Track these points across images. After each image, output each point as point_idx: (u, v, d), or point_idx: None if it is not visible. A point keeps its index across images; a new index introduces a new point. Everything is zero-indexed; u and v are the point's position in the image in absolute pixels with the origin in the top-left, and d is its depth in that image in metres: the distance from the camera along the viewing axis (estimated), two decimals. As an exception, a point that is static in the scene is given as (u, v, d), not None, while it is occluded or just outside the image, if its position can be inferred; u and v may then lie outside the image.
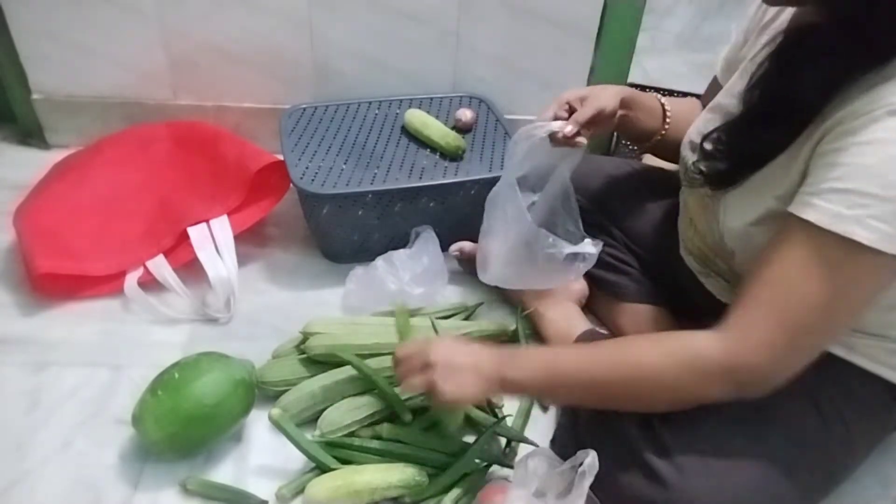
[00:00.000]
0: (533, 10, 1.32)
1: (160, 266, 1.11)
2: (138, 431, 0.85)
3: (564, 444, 0.87)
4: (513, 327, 1.06)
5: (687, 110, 1.00)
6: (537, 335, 1.06)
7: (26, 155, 1.42)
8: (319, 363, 0.95)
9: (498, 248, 0.97)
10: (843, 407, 0.78)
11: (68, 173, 1.24)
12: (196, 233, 1.12)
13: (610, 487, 0.76)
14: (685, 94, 1.49)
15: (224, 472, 0.87)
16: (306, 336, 0.96)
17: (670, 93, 1.51)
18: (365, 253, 1.16)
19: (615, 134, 1.44)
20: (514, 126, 1.29)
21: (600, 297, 1.10)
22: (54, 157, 1.31)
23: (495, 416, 0.93)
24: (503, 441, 0.92)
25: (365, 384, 0.92)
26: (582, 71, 1.41)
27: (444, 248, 1.15)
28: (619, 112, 0.91)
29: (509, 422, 0.93)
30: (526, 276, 0.98)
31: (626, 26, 1.36)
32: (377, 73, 1.39)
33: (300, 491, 0.83)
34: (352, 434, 0.88)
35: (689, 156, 0.87)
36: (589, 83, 1.43)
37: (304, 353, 0.96)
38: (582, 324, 1.03)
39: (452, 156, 1.22)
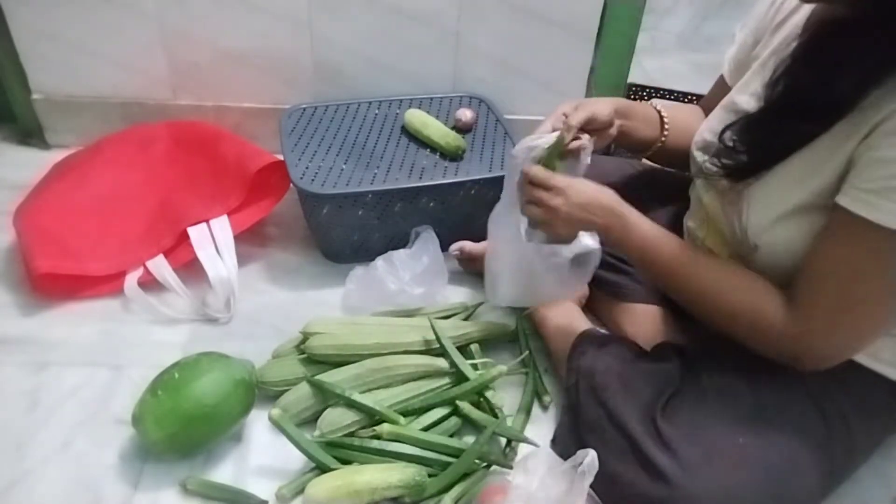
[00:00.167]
0: (533, 10, 1.32)
1: (160, 266, 1.11)
2: (138, 431, 0.85)
3: (564, 444, 0.87)
4: (513, 327, 1.06)
5: (687, 117, 1.00)
6: (537, 335, 1.06)
7: (26, 155, 1.42)
8: (319, 363, 0.95)
9: (502, 269, 0.96)
10: (846, 407, 0.78)
11: (68, 173, 1.24)
12: (196, 233, 1.12)
13: (611, 486, 0.76)
14: (685, 94, 1.50)
15: (224, 472, 0.87)
16: (306, 336, 0.96)
17: (670, 93, 1.51)
18: (365, 253, 1.16)
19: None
20: (514, 126, 1.30)
21: (600, 297, 1.10)
22: (54, 157, 1.31)
23: (495, 416, 0.93)
24: (503, 441, 0.92)
25: (364, 385, 0.92)
26: (582, 71, 1.41)
27: (444, 248, 1.15)
28: (617, 122, 0.91)
29: (509, 422, 0.93)
30: (537, 292, 0.98)
31: (626, 26, 1.36)
32: (377, 73, 1.39)
33: (300, 491, 0.83)
34: (352, 434, 0.88)
35: (702, 154, 0.87)
36: (589, 83, 1.43)
37: (304, 353, 0.96)
38: (582, 324, 1.03)
39: (452, 156, 1.22)
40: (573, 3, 1.32)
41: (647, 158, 1.04)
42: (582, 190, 0.83)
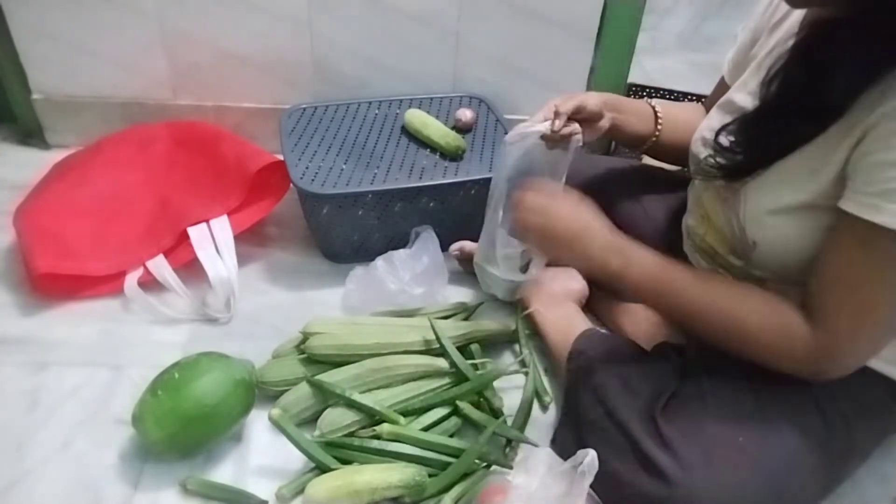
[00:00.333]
0: (533, 10, 1.32)
1: (160, 266, 1.11)
2: (138, 431, 0.85)
3: (564, 444, 0.87)
4: (513, 327, 1.06)
5: (685, 114, 1.01)
6: (537, 335, 1.06)
7: (26, 155, 1.42)
8: (319, 363, 0.95)
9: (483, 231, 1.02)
10: (846, 406, 0.78)
11: (68, 173, 1.24)
12: (196, 233, 1.12)
13: (611, 486, 0.76)
14: (685, 94, 1.50)
15: (224, 472, 0.87)
16: (306, 336, 0.96)
17: (670, 93, 1.51)
18: (365, 253, 1.16)
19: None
20: (513, 126, 1.29)
21: (600, 297, 1.10)
22: (54, 157, 1.31)
23: (495, 416, 0.93)
24: (503, 441, 0.92)
25: (364, 385, 0.92)
26: (582, 71, 1.41)
27: (444, 248, 1.15)
28: (608, 115, 0.92)
29: (509, 422, 0.93)
30: (490, 279, 1.04)
31: (626, 26, 1.36)
32: (377, 73, 1.39)
33: (300, 491, 0.83)
34: (352, 434, 0.88)
35: (702, 151, 0.87)
36: (589, 83, 1.43)
37: (304, 353, 0.96)
38: (582, 324, 1.03)
39: (452, 156, 1.22)
40: (573, 3, 1.32)
41: (644, 153, 1.04)
42: (580, 216, 0.84)
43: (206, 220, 1.13)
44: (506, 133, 1.27)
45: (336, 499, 0.80)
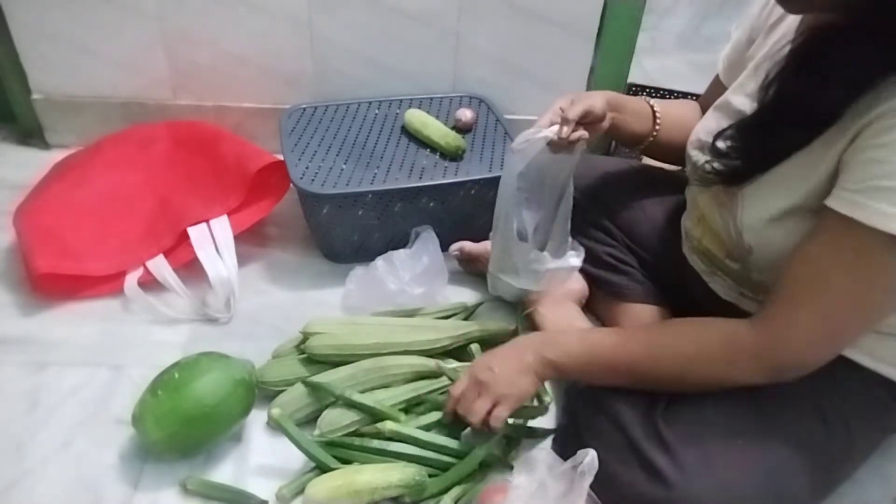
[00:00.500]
0: (533, 10, 1.32)
1: (160, 266, 1.11)
2: (138, 431, 0.85)
3: (564, 444, 0.87)
4: (513, 327, 1.06)
5: (681, 112, 1.00)
6: (537, 335, 1.06)
7: (26, 155, 1.42)
8: (319, 363, 0.95)
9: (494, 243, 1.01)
10: (845, 407, 0.78)
11: (68, 173, 1.24)
12: (196, 233, 1.12)
13: (611, 486, 0.76)
14: (685, 94, 1.49)
15: (224, 472, 0.87)
16: (306, 336, 0.96)
17: (670, 93, 1.51)
18: (365, 253, 1.16)
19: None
20: (514, 126, 1.30)
21: (600, 297, 1.10)
22: (54, 157, 1.31)
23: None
24: (503, 441, 0.92)
25: (360, 384, 0.92)
26: (582, 71, 1.41)
27: (444, 248, 1.15)
28: (609, 115, 0.91)
29: (509, 422, 0.93)
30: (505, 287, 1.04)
31: (626, 26, 1.36)
32: (377, 73, 1.39)
33: (300, 491, 0.83)
34: (352, 434, 0.88)
35: (698, 154, 0.87)
36: (589, 83, 1.43)
37: (304, 353, 0.96)
38: (582, 324, 1.03)
39: (452, 156, 1.22)
40: (573, 3, 1.32)
41: (642, 152, 1.04)
42: (489, 365, 0.83)
43: (206, 220, 1.13)
44: (506, 133, 1.28)
45: (336, 499, 0.80)
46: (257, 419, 0.92)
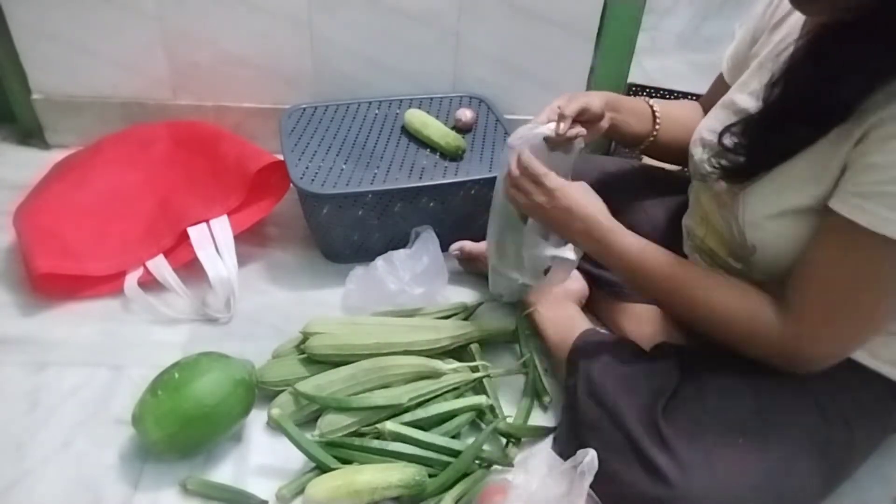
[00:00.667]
0: (533, 10, 1.32)
1: (160, 266, 1.11)
2: (138, 431, 0.85)
3: (564, 444, 0.87)
4: (513, 327, 1.06)
5: (682, 112, 1.00)
6: (537, 335, 1.06)
7: (26, 155, 1.42)
8: (319, 363, 0.95)
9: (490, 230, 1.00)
10: (846, 407, 0.78)
11: (68, 173, 1.24)
12: (196, 233, 1.12)
13: (611, 486, 0.76)
14: (685, 94, 1.49)
15: (224, 472, 0.87)
16: (306, 336, 0.96)
17: (670, 93, 1.51)
18: (365, 253, 1.16)
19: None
20: (513, 126, 1.29)
21: (600, 297, 1.10)
22: (54, 157, 1.31)
23: (495, 415, 0.93)
24: (503, 441, 0.92)
25: (360, 385, 0.92)
26: (582, 71, 1.41)
27: (444, 248, 1.15)
28: (608, 115, 0.92)
29: (509, 422, 0.93)
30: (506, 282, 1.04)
31: (626, 26, 1.36)
32: (377, 73, 1.39)
33: (300, 491, 0.83)
34: (352, 434, 0.88)
35: (701, 153, 0.87)
36: (589, 83, 1.43)
37: (304, 353, 0.96)
38: (582, 324, 1.03)
39: (452, 156, 1.22)
40: (573, 3, 1.32)
41: (643, 153, 1.04)
42: (570, 194, 0.84)
43: (206, 220, 1.13)
44: (506, 133, 1.28)
45: (336, 499, 0.80)
46: (257, 419, 0.92)
